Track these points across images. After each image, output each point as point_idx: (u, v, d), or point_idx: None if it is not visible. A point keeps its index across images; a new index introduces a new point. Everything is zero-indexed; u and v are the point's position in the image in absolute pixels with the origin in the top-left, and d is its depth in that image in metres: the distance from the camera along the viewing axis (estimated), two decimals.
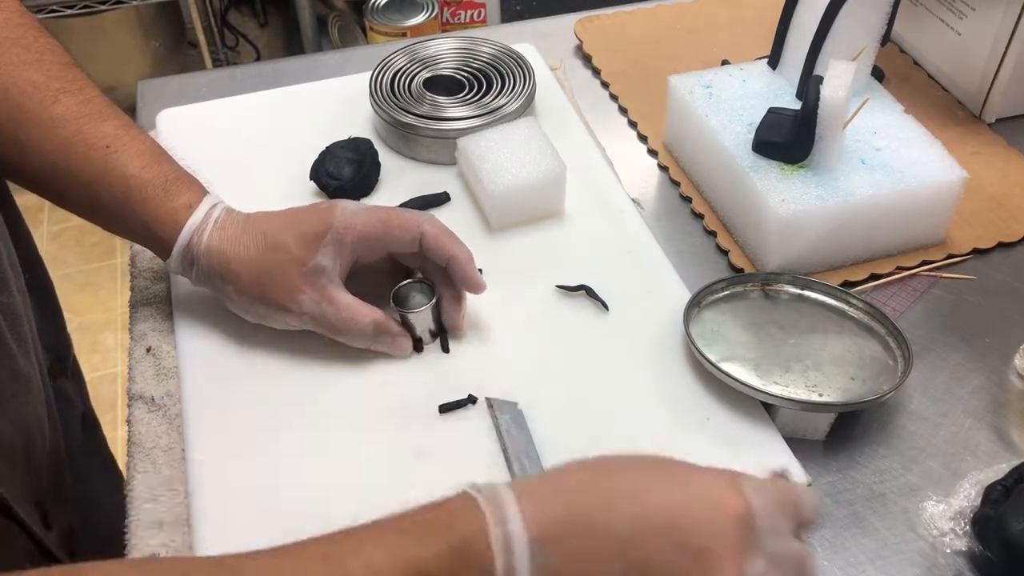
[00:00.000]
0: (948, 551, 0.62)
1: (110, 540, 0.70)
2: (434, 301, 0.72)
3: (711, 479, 0.51)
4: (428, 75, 0.93)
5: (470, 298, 0.75)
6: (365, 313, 0.69)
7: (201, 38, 2.20)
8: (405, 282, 0.73)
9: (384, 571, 0.46)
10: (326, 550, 0.47)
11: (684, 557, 0.48)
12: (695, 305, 0.73)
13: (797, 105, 0.80)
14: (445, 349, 0.73)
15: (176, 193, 0.70)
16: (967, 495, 0.64)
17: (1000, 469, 0.64)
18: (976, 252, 0.83)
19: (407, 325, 0.72)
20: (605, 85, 1.02)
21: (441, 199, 0.86)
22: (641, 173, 0.92)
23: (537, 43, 1.03)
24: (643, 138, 0.95)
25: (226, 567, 0.47)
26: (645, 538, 0.48)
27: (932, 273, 0.81)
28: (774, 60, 0.90)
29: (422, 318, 0.72)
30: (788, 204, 0.76)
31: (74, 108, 0.69)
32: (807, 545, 0.58)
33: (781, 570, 0.50)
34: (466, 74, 0.93)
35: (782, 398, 0.66)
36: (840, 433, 0.69)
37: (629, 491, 0.50)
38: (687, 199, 0.88)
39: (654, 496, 0.50)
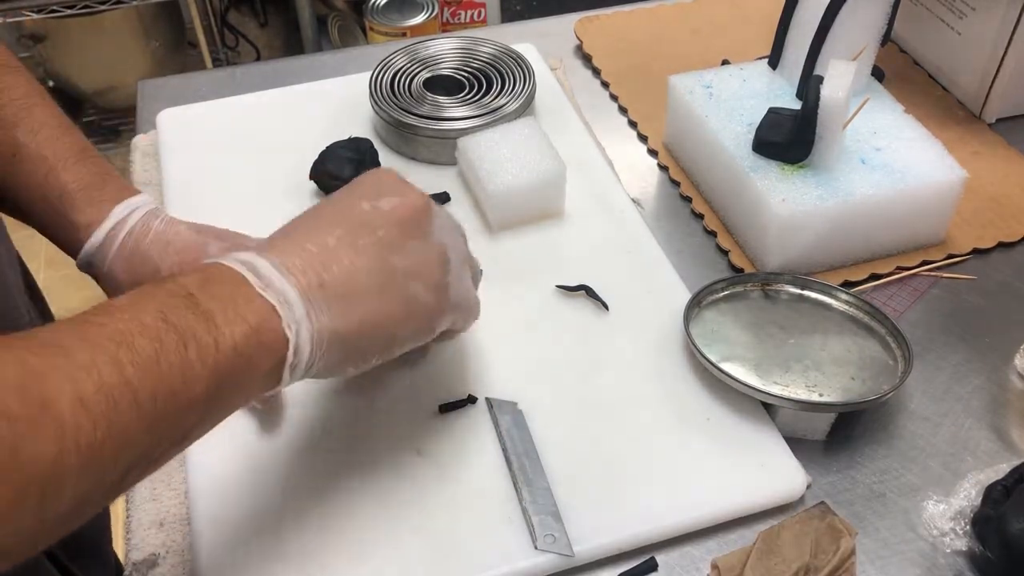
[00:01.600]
0: (948, 551, 0.62)
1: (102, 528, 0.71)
2: None
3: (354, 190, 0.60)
4: (428, 75, 0.93)
5: (481, 296, 0.76)
6: None
7: (201, 38, 2.20)
8: None
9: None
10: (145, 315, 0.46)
11: (380, 212, 0.56)
12: (695, 305, 0.73)
13: (797, 105, 0.80)
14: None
15: (75, 210, 0.66)
16: (967, 495, 0.64)
17: (1000, 469, 0.64)
18: (976, 252, 0.83)
19: None
20: (605, 85, 1.02)
21: (441, 199, 0.86)
22: (641, 173, 0.92)
23: (537, 43, 1.03)
24: (643, 138, 0.95)
25: (42, 342, 0.44)
26: (343, 218, 0.56)
27: (932, 273, 0.81)
28: (774, 60, 0.90)
29: None
30: (788, 204, 0.76)
31: None
32: None
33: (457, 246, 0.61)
34: (466, 74, 0.93)
35: (782, 398, 0.66)
36: (840, 433, 0.69)
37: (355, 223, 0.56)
38: (687, 199, 0.88)
39: (327, 204, 0.58)
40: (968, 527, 0.62)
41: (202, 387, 0.46)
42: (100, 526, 0.77)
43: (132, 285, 0.63)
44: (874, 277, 0.80)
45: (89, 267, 0.67)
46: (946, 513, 0.63)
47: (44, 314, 0.74)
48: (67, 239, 0.66)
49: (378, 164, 0.87)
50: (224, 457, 0.66)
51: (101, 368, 0.42)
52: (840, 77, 0.76)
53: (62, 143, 0.67)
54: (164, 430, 0.45)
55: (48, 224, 0.67)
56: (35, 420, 0.39)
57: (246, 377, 0.49)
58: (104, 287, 0.68)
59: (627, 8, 1.11)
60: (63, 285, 2.22)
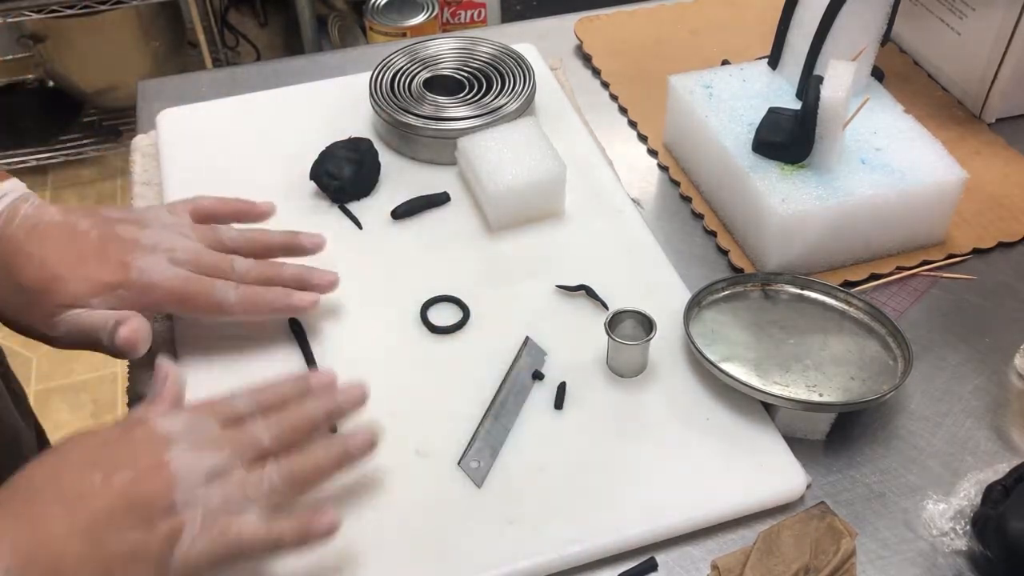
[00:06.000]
0: (948, 551, 0.62)
1: None
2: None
3: (117, 426, 0.56)
4: (428, 75, 0.93)
5: (474, 297, 0.76)
6: (110, 315, 0.66)
7: (201, 38, 2.20)
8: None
9: None
10: None
11: (110, 489, 0.52)
12: (695, 305, 0.73)
13: (797, 105, 0.80)
14: None
15: None
16: (967, 495, 0.64)
17: (1000, 469, 0.64)
18: (976, 252, 0.83)
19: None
20: (605, 85, 1.02)
21: (441, 199, 0.86)
22: (641, 173, 0.92)
23: (537, 43, 1.03)
24: (643, 138, 0.95)
25: None
26: (71, 488, 0.52)
27: (932, 273, 0.81)
28: (774, 60, 0.90)
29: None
30: (788, 204, 0.76)
31: None
32: None
33: (211, 445, 0.55)
34: (466, 74, 0.93)
35: (782, 398, 0.66)
36: (840, 433, 0.69)
37: (56, 468, 0.54)
38: (687, 199, 0.88)
39: (69, 458, 0.54)
40: (968, 527, 0.62)
41: None
42: None
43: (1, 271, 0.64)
44: (874, 277, 0.80)
45: None
46: (946, 513, 0.63)
47: None
48: None
49: (378, 164, 0.87)
50: None
51: None
52: (840, 77, 0.76)
53: None
54: None
55: None
56: None
57: None
58: None
59: (627, 8, 1.11)
60: None
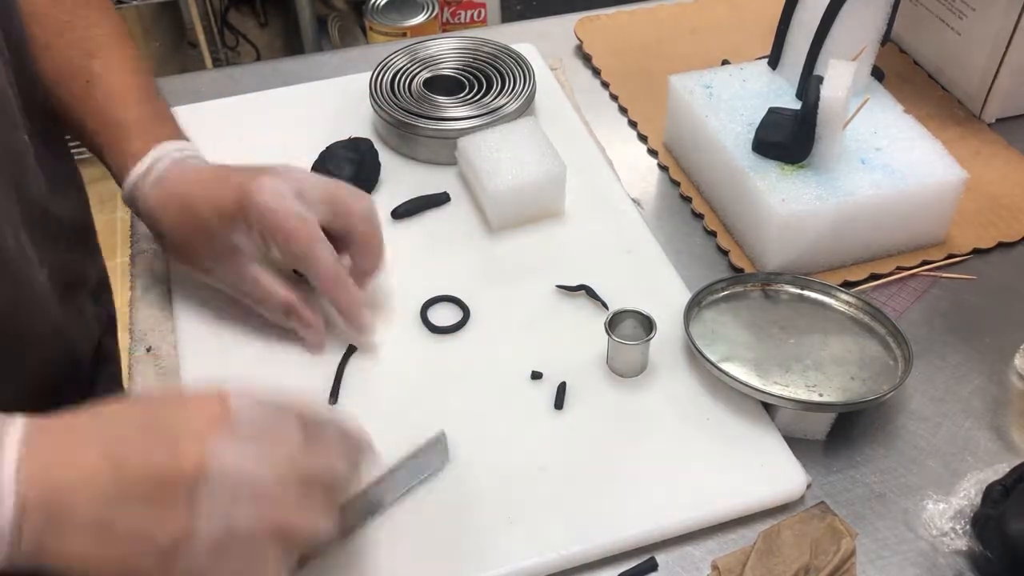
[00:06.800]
0: (948, 551, 0.62)
1: None
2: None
3: (196, 392, 0.52)
4: (428, 75, 0.93)
5: (474, 297, 0.76)
6: (275, 293, 0.70)
7: (201, 38, 2.20)
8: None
9: None
10: None
11: (156, 445, 0.47)
12: (695, 305, 0.73)
13: (797, 105, 0.80)
14: None
15: (129, 140, 0.72)
16: (967, 495, 0.64)
17: (1000, 469, 0.64)
18: (976, 252, 0.83)
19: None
20: (605, 85, 1.02)
21: (441, 199, 0.86)
22: (641, 173, 0.92)
23: (537, 43, 1.03)
24: (643, 138, 0.95)
25: None
26: (119, 434, 0.48)
27: (932, 273, 0.81)
28: (774, 60, 0.90)
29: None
30: (788, 204, 0.76)
31: (72, 41, 0.74)
32: None
33: (264, 464, 0.49)
34: (466, 74, 0.93)
35: (782, 398, 0.66)
36: (840, 433, 0.69)
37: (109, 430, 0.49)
38: (687, 199, 0.88)
39: (134, 407, 0.51)
40: (968, 527, 0.62)
41: None
42: None
43: (161, 210, 0.71)
44: (874, 277, 0.80)
45: (132, 194, 0.72)
46: (946, 513, 0.63)
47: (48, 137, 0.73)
48: (119, 166, 0.72)
49: (378, 164, 0.87)
50: None
51: None
52: (840, 77, 0.76)
53: (131, 81, 0.75)
54: None
55: (105, 150, 0.73)
56: None
57: None
58: (143, 217, 0.73)
59: (627, 8, 1.11)
60: None
